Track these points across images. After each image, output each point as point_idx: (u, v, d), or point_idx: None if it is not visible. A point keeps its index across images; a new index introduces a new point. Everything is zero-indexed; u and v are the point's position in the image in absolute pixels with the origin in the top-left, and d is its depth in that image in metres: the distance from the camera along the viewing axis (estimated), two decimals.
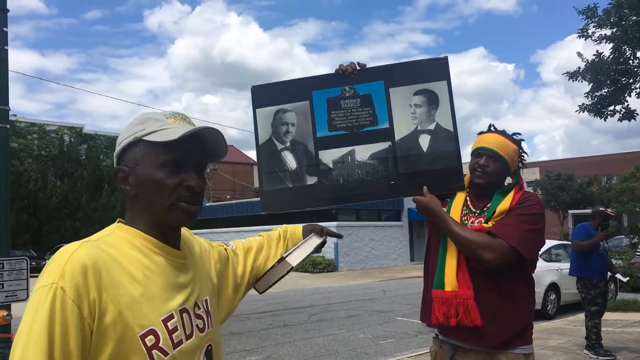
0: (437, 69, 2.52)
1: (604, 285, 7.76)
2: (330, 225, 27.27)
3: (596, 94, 9.30)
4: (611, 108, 9.40)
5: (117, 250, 1.26)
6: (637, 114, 9.33)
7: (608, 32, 9.00)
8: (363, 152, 2.49)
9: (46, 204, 29.35)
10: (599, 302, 7.60)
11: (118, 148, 1.37)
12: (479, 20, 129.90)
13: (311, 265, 26.13)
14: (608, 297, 8.95)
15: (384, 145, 2.49)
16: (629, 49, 8.96)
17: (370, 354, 8.35)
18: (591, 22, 9.10)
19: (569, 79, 9.37)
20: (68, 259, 1.17)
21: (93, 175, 32.04)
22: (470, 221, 2.52)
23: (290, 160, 2.49)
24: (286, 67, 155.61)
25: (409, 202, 29.79)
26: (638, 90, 9.22)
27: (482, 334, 2.38)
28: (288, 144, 2.50)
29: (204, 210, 23.05)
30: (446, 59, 2.53)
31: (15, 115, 31.48)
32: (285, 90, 2.54)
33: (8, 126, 4.85)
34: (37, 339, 1.10)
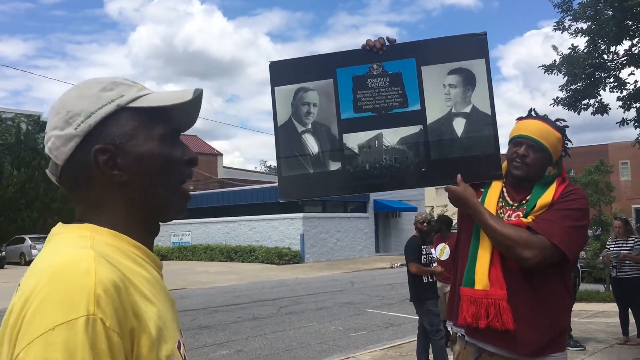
0: (475, 45, 2.32)
1: (573, 277, 7.85)
2: (297, 216, 27.18)
3: (571, 87, 9.39)
4: (585, 102, 9.50)
5: (119, 263, 0.92)
6: (610, 109, 9.45)
7: (584, 25, 9.07)
8: (391, 136, 2.29)
9: (2, 193, 28.48)
10: None
11: (89, 121, 0.99)
12: (442, 15, 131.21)
13: (277, 256, 26.00)
14: (577, 289, 9.04)
15: (414, 129, 2.29)
16: (603, 44, 9.05)
17: (342, 346, 8.29)
18: (567, 16, 9.16)
19: (544, 72, 9.40)
20: (95, 279, 0.82)
21: None
22: (506, 214, 2.32)
23: (312, 144, 2.30)
24: (250, 57, 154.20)
25: (374, 194, 29.97)
26: (611, 85, 9.34)
27: (513, 338, 2.18)
28: (309, 126, 2.31)
29: None
30: (485, 34, 2.33)
31: None
32: (306, 67, 2.33)
33: None
34: None
